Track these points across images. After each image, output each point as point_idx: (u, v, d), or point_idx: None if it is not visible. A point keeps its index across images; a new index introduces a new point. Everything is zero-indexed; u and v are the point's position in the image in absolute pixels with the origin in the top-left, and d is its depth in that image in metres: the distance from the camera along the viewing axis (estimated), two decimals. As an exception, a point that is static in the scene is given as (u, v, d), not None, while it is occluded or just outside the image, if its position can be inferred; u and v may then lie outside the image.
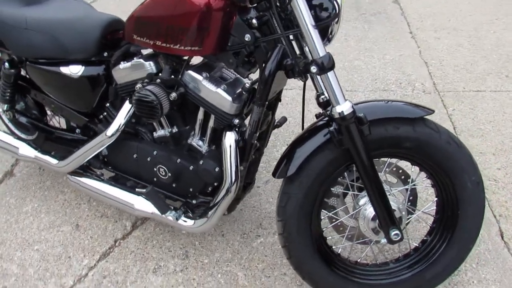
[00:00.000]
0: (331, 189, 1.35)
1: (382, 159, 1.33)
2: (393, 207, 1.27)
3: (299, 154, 1.24)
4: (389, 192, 1.30)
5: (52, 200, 1.94)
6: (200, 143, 1.45)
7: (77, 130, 1.74)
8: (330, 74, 1.13)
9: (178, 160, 1.46)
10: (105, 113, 1.62)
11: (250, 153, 1.37)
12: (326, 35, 1.18)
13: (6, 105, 1.79)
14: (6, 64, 1.66)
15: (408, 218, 1.38)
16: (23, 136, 1.86)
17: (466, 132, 2.16)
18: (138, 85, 1.35)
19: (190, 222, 1.46)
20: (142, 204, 1.52)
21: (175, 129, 1.48)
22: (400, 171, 1.38)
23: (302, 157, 1.23)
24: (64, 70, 1.52)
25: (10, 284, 1.60)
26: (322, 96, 1.34)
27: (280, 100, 1.52)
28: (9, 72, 1.67)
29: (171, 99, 1.30)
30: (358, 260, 1.44)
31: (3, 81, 1.71)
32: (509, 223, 1.69)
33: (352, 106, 1.16)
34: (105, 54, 1.51)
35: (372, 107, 1.24)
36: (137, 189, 1.56)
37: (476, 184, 1.26)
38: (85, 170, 1.70)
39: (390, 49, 2.95)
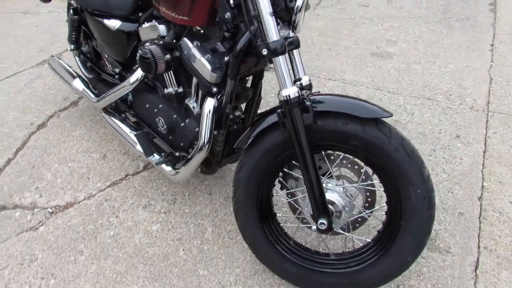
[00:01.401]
0: (286, 170, 1.44)
1: (337, 152, 1.37)
2: (332, 199, 1.32)
3: (255, 129, 1.35)
4: (341, 185, 1.35)
5: (94, 131, 2.32)
6: (194, 105, 1.64)
7: (116, 76, 2.06)
8: (280, 58, 1.21)
9: (174, 116, 1.67)
10: (136, 65, 1.90)
11: (226, 121, 1.51)
12: (290, 23, 1.25)
13: (72, 45, 2.18)
14: (71, 11, 2.03)
15: (356, 217, 1.40)
16: (84, 73, 2.25)
17: (495, 158, 2.00)
18: (147, 43, 1.57)
19: (168, 169, 1.68)
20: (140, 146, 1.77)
21: (180, 89, 1.68)
22: (362, 170, 1.40)
23: (255, 132, 1.34)
24: (106, 22, 1.81)
25: (41, 186, 2.01)
26: (297, 80, 1.41)
27: (261, 78, 1.62)
28: (73, 18, 2.04)
29: (165, 59, 1.49)
30: (303, 244, 1.51)
31: (70, 25, 2.09)
32: (490, 258, 1.58)
33: (298, 92, 1.23)
34: (140, 14, 1.76)
35: (327, 100, 1.28)
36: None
37: (422, 198, 1.24)
38: (114, 110, 2.01)
39: (458, 58, 2.75)
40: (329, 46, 2.96)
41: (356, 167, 1.39)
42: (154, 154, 1.70)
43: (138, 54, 1.54)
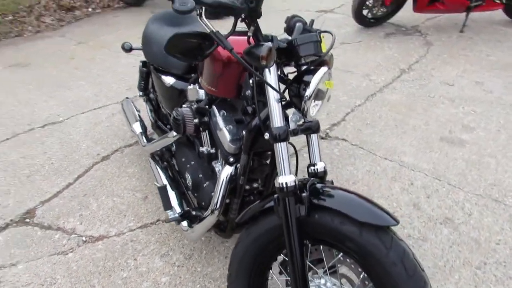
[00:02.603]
0: (284, 256, 1.37)
1: (335, 250, 1.27)
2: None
3: (254, 208, 1.33)
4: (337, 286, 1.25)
5: (145, 172, 2.48)
6: (219, 168, 1.67)
7: (167, 126, 2.20)
8: (280, 145, 1.19)
9: (200, 175, 1.72)
10: None
11: (240, 192, 1.51)
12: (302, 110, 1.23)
13: (141, 92, 2.41)
14: (141, 63, 2.26)
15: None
16: (150, 117, 2.45)
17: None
18: (184, 105, 1.67)
19: (184, 225, 1.71)
20: (165, 199, 1.84)
21: (212, 150, 1.74)
22: (361, 275, 1.28)
23: (253, 212, 1.32)
24: (163, 78, 1.98)
25: (85, 214, 2.18)
26: (312, 165, 1.36)
27: None
28: (142, 69, 2.26)
29: (194, 123, 1.57)
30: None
31: (140, 75, 2.32)
32: None
33: (295, 181, 1.18)
34: (192, 75, 1.89)
35: (330, 193, 1.21)
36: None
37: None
38: (159, 157, 2.14)
39: (546, 159, 2.40)
40: (396, 123, 2.81)
41: (358, 268, 1.28)
42: (173, 209, 1.75)
43: (172, 114, 1.64)
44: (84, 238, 2.05)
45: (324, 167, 1.38)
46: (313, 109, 1.27)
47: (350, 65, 3.74)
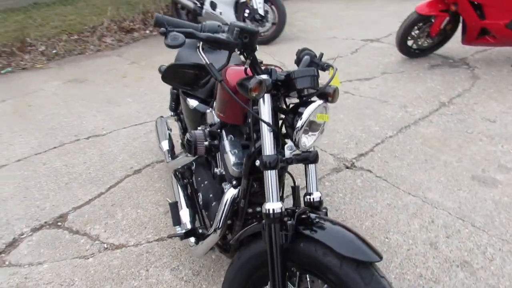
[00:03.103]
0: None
1: (320, 281, 1.28)
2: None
3: (246, 232, 1.38)
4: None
5: (171, 188, 2.60)
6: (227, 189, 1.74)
7: (190, 145, 2.32)
8: (269, 172, 1.23)
9: (210, 195, 1.80)
10: None
11: (242, 214, 1.56)
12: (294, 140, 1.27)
13: (172, 113, 2.56)
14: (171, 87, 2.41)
15: None
16: (180, 136, 2.59)
17: None
18: (199, 127, 1.77)
19: (191, 241, 1.79)
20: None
21: (223, 172, 1.81)
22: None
23: (243, 235, 1.37)
24: (188, 100, 2.10)
25: (110, 223, 2.33)
26: (308, 195, 1.39)
27: (281, 182, 1.61)
28: (172, 91, 2.41)
29: (204, 145, 1.65)
30: None
31: (171, 96, 2.47)
32: None
33: (282, 209, 1.22)
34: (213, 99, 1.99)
35: (318, 224, 1.23)
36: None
37: None
38: (181, 174, 2.25)
39: None
40: (426, 158, 2.73)
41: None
42: (182, 225, 1.83)
43: (186, 135, 1.74)
44: (105, 245, 2.18)
45: (320, 197, 1.40)
46: (307, 139, 1.31)
47: (388, 95, 3.69)
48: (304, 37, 5.45)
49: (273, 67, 1.33)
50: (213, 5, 5.40)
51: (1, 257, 2.15)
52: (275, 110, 1.34)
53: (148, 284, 1.92)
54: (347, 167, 2.70)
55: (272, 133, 1.25)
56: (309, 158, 1.38)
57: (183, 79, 1.22)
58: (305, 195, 1.41)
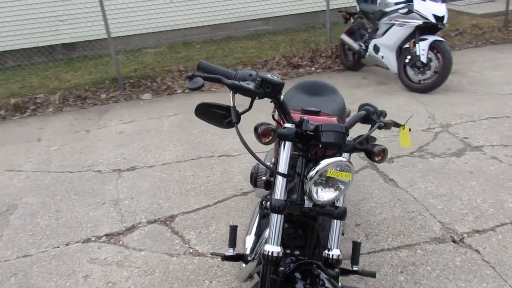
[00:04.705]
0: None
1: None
2: None
3: (257, 269, 1.44)
4: None
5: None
6: None
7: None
8: (276, 216, 1.28)
9: (263, 221, 1.90)
10: None
11: None
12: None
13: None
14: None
15: None
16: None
17: None
18: (269, 162, 1.89)
19: (241, 265, 1.91)
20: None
21: None
22: None
23: (255, 271, 1.43)
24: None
25: (204, 232, 2.64)
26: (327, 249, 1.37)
27: (313, 232, 1.57)
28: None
29: (262, 180, 1.77)
30: None
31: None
32: None
33: (279, 253, 1.25)
34: None
35: (307, 278, 1.22)
36: None
37: None
38: (264, 202, 2.39)
39: None
40: None
41: None
42: (234, 248, 1.97)
43: (251, 168, 1.89)
44: (191, 250, 2.49)
45: (338, 256, 1.37)
46: (324, 194, 1.30)
47: (550, 170, 3.04)
48: (472, 90, 4.90)
49: (305, 117, 1.38)
50: (376, 49, 5.40)
51: (119, 237, 2.68)
52: (306, 159, 1.38)
53: (205, 295, 2.12)
54: (453, 241, 2.37)
55: (285, 179, 1.31)
56: (332, 213, 1.37)
57: (211, 116, 1.39)
58: (328, 248, 1.39)
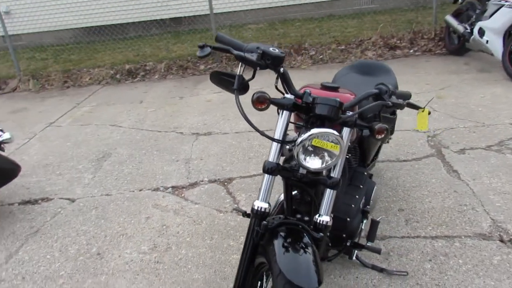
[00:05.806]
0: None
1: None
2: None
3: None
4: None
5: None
6: None
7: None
8: (267, 176, 1.45)
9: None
10: None
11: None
12: None
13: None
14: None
15: None
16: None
17: None
18: None
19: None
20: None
21: None
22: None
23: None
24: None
25: (255, 196, 2.87)
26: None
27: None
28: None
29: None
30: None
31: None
32: None
33: (264, 209, 1.42)
34: None
35: (285, 235, 1.37)
36: None
37: None
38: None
39: None
40: None
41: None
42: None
43: None
44: (234, 210, 2.75)
45: (327, 222, 1.47)
46: (313, 162, 1.41)
47: None
48: None
49: (308, 90, 1.48)
50: (481, 32, 4.92)
51: (182, 190, 3.06)
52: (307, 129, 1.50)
53: (238, 247, 2.36)
54: (501, 240, 2.22)
55: (278, 145, 1.44)
56: (325, 182, 1.47)
57: (223, 83, 1.54)
58: (319, 214, 1.50)
